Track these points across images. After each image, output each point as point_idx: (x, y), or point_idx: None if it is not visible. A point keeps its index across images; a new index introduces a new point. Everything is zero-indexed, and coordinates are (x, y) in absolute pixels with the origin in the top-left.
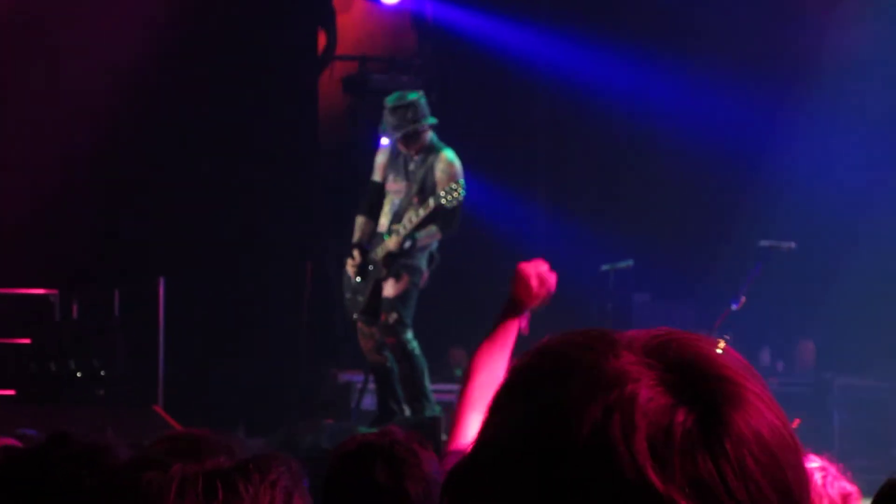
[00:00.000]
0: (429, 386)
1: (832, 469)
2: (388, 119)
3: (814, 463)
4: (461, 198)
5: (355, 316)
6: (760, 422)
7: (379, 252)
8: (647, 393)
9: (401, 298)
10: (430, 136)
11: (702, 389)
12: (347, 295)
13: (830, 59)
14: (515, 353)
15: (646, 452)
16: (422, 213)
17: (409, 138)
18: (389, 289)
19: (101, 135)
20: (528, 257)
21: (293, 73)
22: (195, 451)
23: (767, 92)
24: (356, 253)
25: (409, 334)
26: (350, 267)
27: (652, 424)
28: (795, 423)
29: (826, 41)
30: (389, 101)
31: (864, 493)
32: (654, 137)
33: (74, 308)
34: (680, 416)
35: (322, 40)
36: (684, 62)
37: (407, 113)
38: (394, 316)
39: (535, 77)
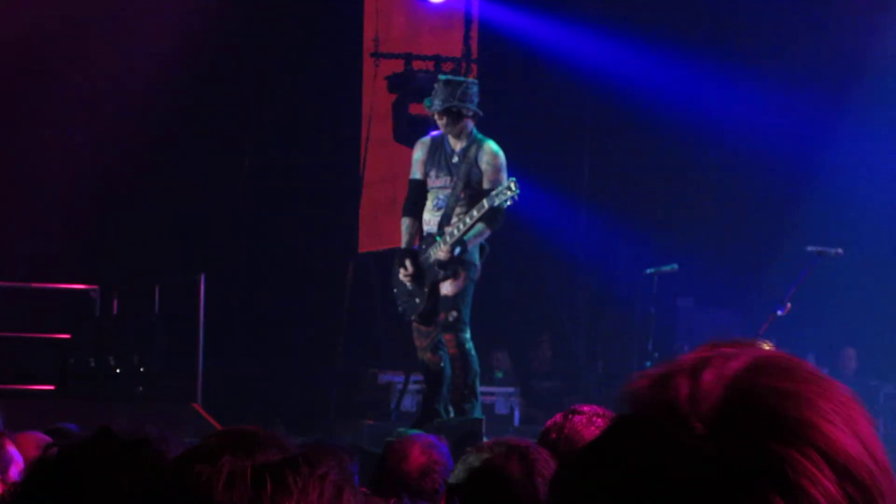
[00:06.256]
0: (479, 388)
1: None
2: (437, 91)
3: None
4: (516, 196)
5: (413, 318)
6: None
7: (431, 255)
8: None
9: (460, 295)
10: (472, 127)
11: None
12: (402, 298)
13: (883, 65)
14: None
15: None
16: (475, 214)
17: (451, 116)
18: (448, 287)
19: (142, 131)
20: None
21: (337, 72)
22: (248, 445)
23: (817, 97)
24: (408, 262)
25: (468, 333)
26: (404, 276)
27: None
28: None
29: (878, 46)
30: (443, 76)
31: None
32: (702, 141)
33: (115, 304)
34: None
35: (367, 37)
36: (734, 66)
37: (457, 90)
38: (453, 314)
39: (582, 78)
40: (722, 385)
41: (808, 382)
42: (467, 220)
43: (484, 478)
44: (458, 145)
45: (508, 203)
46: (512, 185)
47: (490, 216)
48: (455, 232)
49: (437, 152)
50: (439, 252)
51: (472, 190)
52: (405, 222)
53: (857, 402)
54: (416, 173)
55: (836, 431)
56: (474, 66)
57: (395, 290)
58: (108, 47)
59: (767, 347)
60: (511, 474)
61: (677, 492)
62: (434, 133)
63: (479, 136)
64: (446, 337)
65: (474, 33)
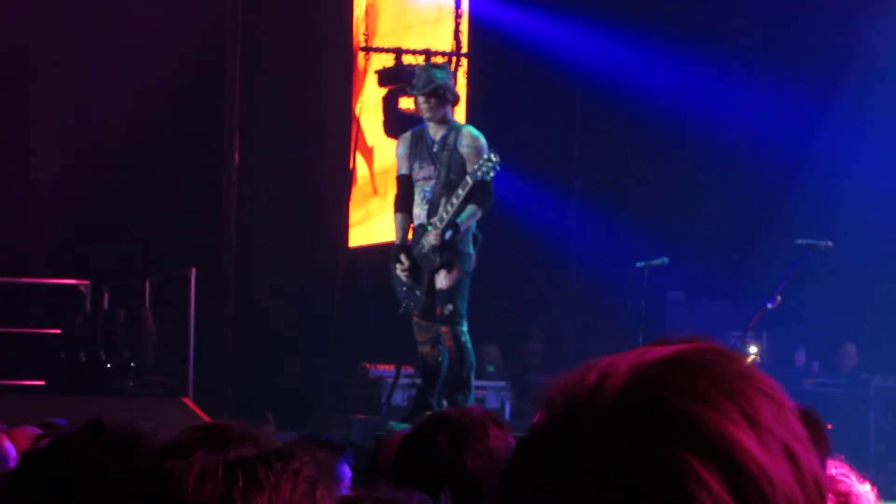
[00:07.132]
0: (473, 381)
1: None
2: (419, 75)
3: None
4: (497, 167)
5: (415, 313)
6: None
7: (425, 245)
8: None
9: (455, 288)
10: (450, 115)
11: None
12: (404, 294)
13: (875, 58)
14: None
15: None
16: (461, 193)
17: (433, 98)
18: (442, 281)
19: (132, 125)
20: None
21: (327, 66)
22: (221, 440)
23: (807, 90)
24: (403, 257)
25: (464, 326)
26: (401, 272)
27: None
28: (828, 427)
29: (867, 39)
30: (427, 63)
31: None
32: (692, 134)
33: (105, 298)
34: None
35: (357, 31)
36: (724, 59)
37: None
38: (449, 307)
39: (572, 71)
40: (625, 380)
41: (719, 379)
42: (454, 200)
43: (411, 452)
44: (437, 134)
45: (492, 175)
46: (492, 157)
47: (479, 195)
48: (444, 216)
49: (419, 144)
50: (430, 237)
51: (455, 176)
52: (397, 218)
53: (776, 397)
54: (402, 168)
55: (731, 427)
56: (464, 61)
57: (397, 289)
58: (98, 43)
59: (709, 342)
60: (438, 448)
61: (569, 490)
62: (414, 128)
63: (457, 123)
64: (443, 330)
65: (464, 27)
